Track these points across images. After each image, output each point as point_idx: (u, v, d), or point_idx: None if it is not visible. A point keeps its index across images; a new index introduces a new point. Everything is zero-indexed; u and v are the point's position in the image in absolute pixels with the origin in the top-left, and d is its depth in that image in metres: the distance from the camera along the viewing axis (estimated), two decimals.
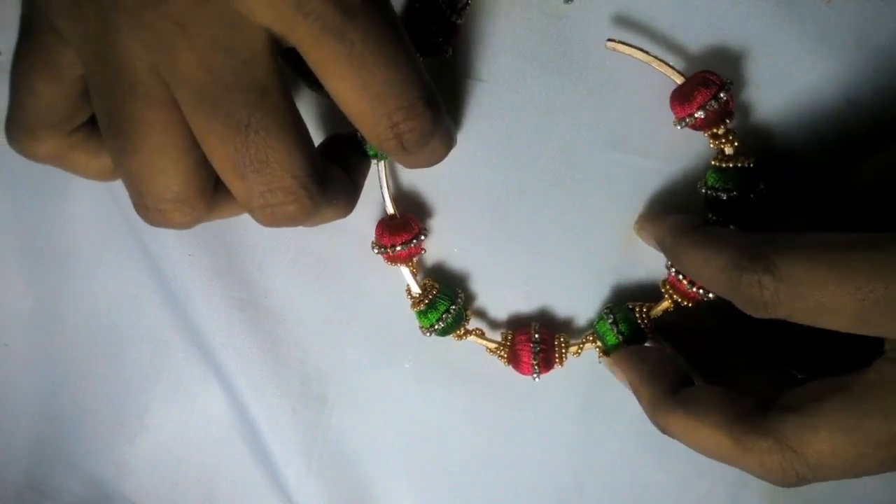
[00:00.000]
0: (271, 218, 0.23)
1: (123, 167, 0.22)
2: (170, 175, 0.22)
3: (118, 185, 0.36)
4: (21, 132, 0.25)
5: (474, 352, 0.34)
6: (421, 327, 0.33)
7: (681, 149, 0.32)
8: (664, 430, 0.27)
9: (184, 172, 0.22)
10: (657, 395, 0.27)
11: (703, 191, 0.30)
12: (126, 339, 0.38)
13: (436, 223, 0.35)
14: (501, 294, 0.35)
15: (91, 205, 0.37)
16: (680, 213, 0.30)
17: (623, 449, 0.36)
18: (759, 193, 0.30)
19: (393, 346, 0.36)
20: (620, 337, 0.32)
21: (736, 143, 0.30)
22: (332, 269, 0.36)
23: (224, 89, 0.21)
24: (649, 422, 0.28)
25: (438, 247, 0.35)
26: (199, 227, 0.35)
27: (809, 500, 0.34)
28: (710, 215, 0.30)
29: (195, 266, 0.36)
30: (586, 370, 0.35)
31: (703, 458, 0.25)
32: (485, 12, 0.32)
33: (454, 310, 0.33)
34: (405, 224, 0.33)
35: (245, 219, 0.35)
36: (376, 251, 0.33)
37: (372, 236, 0.33)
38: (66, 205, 0.37)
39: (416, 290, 0.33)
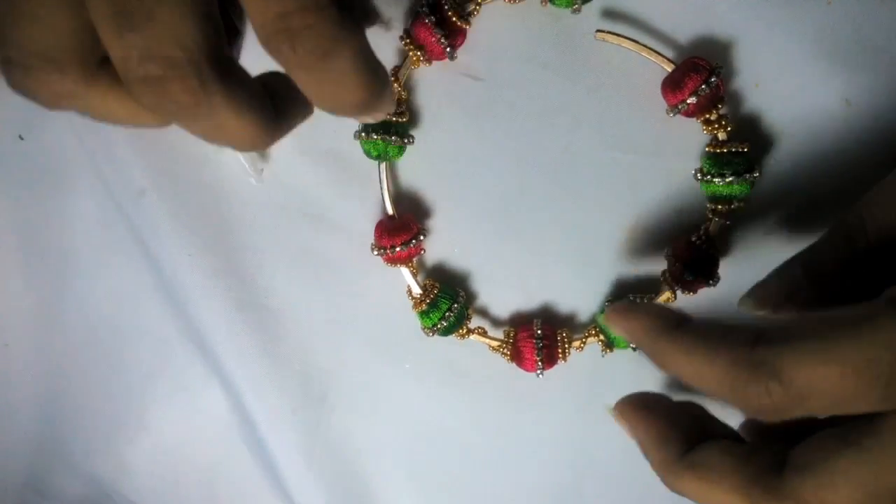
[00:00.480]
0: (151, 96, 0.19)
1: (124, 42, 0.19)
2: (44, 25, 0.19)
3: (118, 185, 0.36)
4: (38, 63, 0.20)
5: (474, 352, 0.34)
6: (423, 328, 0.33)
7: (681, 148, 0.32)
8: (676, 492, 0.25)
9: (62, 26, 0.19)
10: (667, 460, 0.25)
11: (699, 178, 0.31)
12: (126, 339, 0.38)
13: (435, 223, 0.35)
14: (502, 292, 0.35)
15: (91, 205, 0.36)
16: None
17: (623, 449, 0.36)
18: (753, 178, 0.30)
19: (393, 346, 0.36)
20: (441, 324, 0.32)
21: (729, 128, 0.30)
22: (332, 269, 0.36)
23: None
24: None
25: (438, 246, 0.35)
26: (200, 227, 0.35)
27: None
28: (709, 207, 0.30)
29: (195, 266, 0.36)
30: (586, 370, 0.35)
31: None
32: (485, 12, 0.32)
33: (456, 309, 0.33)
34: (404, 225, 0.33)
35: (245, 219, 0.36)
36: (376, 252, 0.33)
37: (371, 235, 0.33)
38: (66, 205, 0.37)
39: (416, 290, 0.33)
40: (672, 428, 0.25)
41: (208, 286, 0.36)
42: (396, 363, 0.36)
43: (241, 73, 0.21)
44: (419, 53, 0.31)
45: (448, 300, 0.33)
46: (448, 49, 0.31)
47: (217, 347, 0.37)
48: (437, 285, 0.33)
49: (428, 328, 0.33)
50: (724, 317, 0.23)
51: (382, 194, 0.33)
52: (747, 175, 0.30)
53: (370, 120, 0.29)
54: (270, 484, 0.39)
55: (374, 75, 0.22)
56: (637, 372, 0.35)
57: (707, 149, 0.30)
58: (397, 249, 0.32)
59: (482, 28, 0.32)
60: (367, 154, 0.32)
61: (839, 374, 0.20)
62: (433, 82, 0.33)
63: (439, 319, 0.32)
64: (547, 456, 0.37)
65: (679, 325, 0.23)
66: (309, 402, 0.37)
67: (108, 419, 0.39)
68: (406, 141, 0.32)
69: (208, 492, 0.40)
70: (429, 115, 0.33)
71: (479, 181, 0.34)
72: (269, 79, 0.24)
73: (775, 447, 0.23)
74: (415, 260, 0.33)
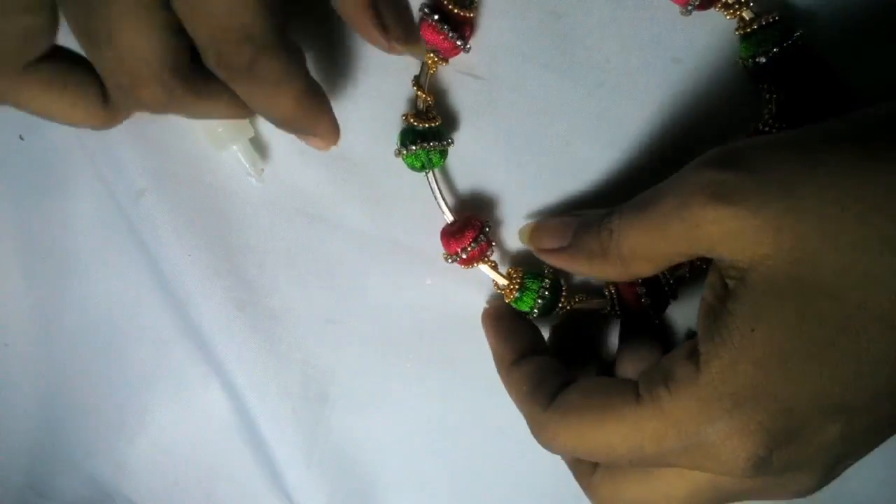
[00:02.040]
0: (126, 100, 0.23)
1: (97, 55, 0.23)
2: (140, 51, 0.22)
3: (118, 185, 0.36)
4: None
5: (475, 351, 0.34)
6: (525, 315, 0.33)
7: (683, 147, 0.32)
8: (550, 448, 0.28)
9: (153, 48, 0.22)
10: (534, 412, 0.28)
11: (743, 65, 0.30)
12: (126, 339, 0.38)
13: (435, 221, 0.35)
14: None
15: (91, 205, 0.37)
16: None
17: None
18: (799, 40, 0.29)
19: (393, 345, 0.36)
20: (538, 303, 0.32)
21: (751, 3, 0.29)
22: (332, 269, 0.36)
23: None
24: None
25: (439, 246, 0.35)
26: (200, 227, 0.35)
27: (809, 500, 0.34)
28: (762, 86, 0.29)
29: (195, 266, 0.36)
30: None
31: None
32: (485, 11, 0.32)
33: (548, 284, 0.32)
34: (466, 224, 0.32)
35: (245, 219, 0.36)
36: (450, 262, 0.32)
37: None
38: (66, 205, 0.37)
39: (501, 281, 0.33)
40: (542, 383, 0.29)
41: (208, 286, 0.36)
42: (396, 363, 0.36)
43: (208, 73, 0.24)
44: (433, 56, 0.31)
45: (536, 280, 0.32)
46: (459, 42, 0.31)
47: (217, 347, 0.37)
48: (521, 270, 0.33)
49: (529, 313, 0.33)
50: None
51: (438, 203, 0.32)
52: (791, 42, 0.29)
53: (319, 144, 0.29)
54: (270, 484, 0.39)
55: (304, 93, 0.26)
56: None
57: (737, 32, 0.30)
58: (469, 249, 0.32)
59: (482, 28, 0.32)
60: (413, 168, 0.32)
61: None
62: (433, 82, 0.33)
63: (535, 299, 0.32)
64: (547, 456, 0.36)
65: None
66: (309, 402, 0.37)
67: (108, 419, 0.39)
68: (446, 143, 0.32)
69: (208, 492, 0.40)
70: None
71: (479, 180, 0.34)
72: None
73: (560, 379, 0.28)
74: (489, 254, 0.33)
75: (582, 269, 0.29)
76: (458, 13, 0.30)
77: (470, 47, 0.31)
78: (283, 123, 0.26)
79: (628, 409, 0.24)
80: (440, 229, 0.33)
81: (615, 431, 0.24)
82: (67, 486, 0.41)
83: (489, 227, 0.33)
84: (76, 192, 0.36)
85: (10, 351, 0.39)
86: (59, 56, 0.25)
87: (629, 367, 0.31)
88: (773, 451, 0.22)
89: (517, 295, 0.32)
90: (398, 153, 0.32)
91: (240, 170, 0.34)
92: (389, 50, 0.28)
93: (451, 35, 0.30)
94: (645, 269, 0.26)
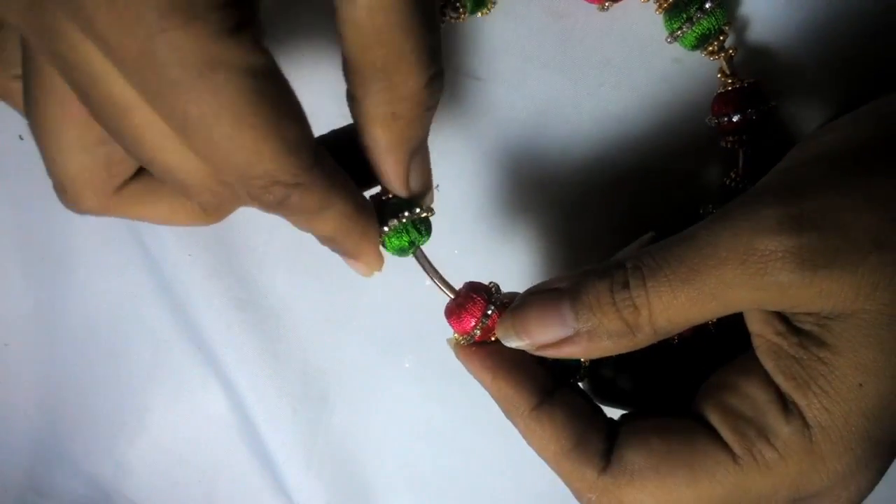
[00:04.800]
0: (277, 211, 0.22)
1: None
2: (56, 166, 0.23)
3: None
4: (60, 193, 0.24)
5: None
6: None
7: (682, 149, 0.32)
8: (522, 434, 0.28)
9: (72, 166, 0.23)
10: (585, 475, 0.26)
11: (716, 121, 0.30)
12: (126, 339, 0.38)
13: (435, 223, 0.35)
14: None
15: None
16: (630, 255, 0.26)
17: None
18: (772, 108, 0.29)
19: (393, 345, 0.36)
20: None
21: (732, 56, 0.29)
22: (332, 269, 0.36)
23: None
24: None
25: (439, 247, 0.35)
26: (200, 228, 0.35)
27: None
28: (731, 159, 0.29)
29: (195, 266, 0.36)
30: None
31: None
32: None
33: None
34: (469, 298, 0.27)
35: (245, 219, 0.36)
36: (464, 342, 0.28)
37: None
38: None
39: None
40: (525, 379, 0.26)
41: (208, 286, 0.36)
42: (396, 363, 0.36)
43: (332, 165, 0.23)
44: None
45: None
46: None
47: (217, 347, 0.37)
48: None
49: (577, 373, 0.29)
50: None
51: (435, 282, 0.28)
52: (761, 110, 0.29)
53: (361, 269, 0.27)
54: (270, 484, 0.39)
55: (347, 217, 0.24)
56: None
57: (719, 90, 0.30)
58: (478, 330, 0.27)
59: (482, 28, 0.32)
60: (400, 253, 0.27)
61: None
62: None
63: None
64: None
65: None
66: (309, 402, 0.37)
67: (108, 419, 0.39)
68: (423, 213, 0.27)
69: (208, 492, 0.40)
70: None
71: (479, 180, 0.34)
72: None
73: (607, 427, 0.26)
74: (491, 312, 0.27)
75: (602, 354, 0.25)
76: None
77: (465, 16, 0.31)
78: (325, 243, 0.25)
79: (725, 469, 0.23)
80: (444, 307, 0.28)
81: (710, 494, 0.24)
82: (67, 486, 0.41)
83: (497, 290, 0.28)
84: None
85: (10, 351, 0.39)
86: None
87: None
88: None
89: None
90: (381, 243, 0.27)
91: None
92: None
93: None
94: (680, 329, 0.24)
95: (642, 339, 0.24)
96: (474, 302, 0.27)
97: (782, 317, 0.24)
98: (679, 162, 0.32)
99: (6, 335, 0.39)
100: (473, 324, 0.27)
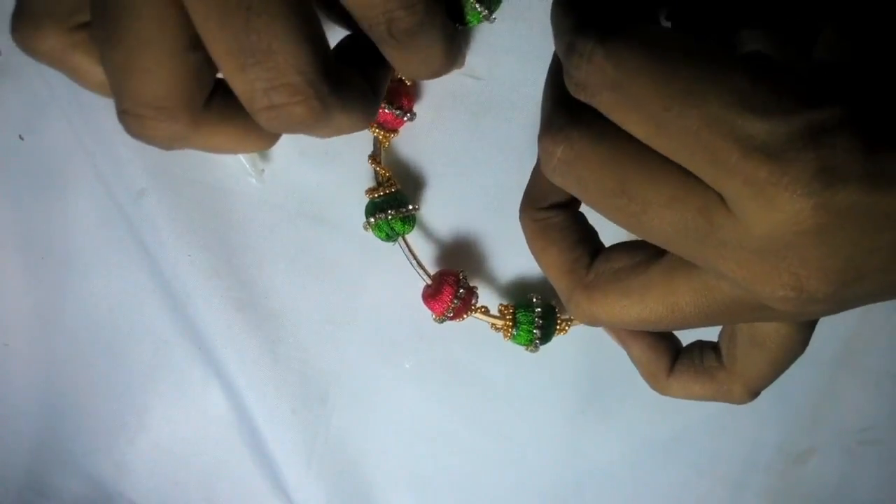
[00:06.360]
0: (277, 121, 0.21)
1: (106, 61, 0.20)
2: (153, 76, 0.20)
3: (118, 185, 0.36)
4: (25, 23, 0.22)
5: (474, 351, 0.34)
6: (525, 348, 0.33)
7: None
8: (589, 321, 0.25)
9: (170, 75, 0.20)
10: (570, 286, 0.26)
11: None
12: (126, 339, 0.38)
13: (435, 221, 0.35)
14: (502, 293, 0.35)
15: (91, 205, 0.37)
16: None
17: (623, 449, 0.36)
18: None
19: (393, 346, 0.36)
20: (536, 333, 0.32)
21: None
22: (332, 269, 0.36)
23: None
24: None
25: (439, 246, 0.35)
26: (200, 228, 0.35)
27: (809, 500, 0.34)
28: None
29: (195, 266, 0.36)
30: (586, 370, 0.35)
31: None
32: None
33: (540, 311, 0.32)
34: (441, 283, 0.32)
35: (245, 219, 0.36)
36: (442, 322, 0.33)
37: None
38: (66, 205, 0.37)
39: (498, 323, 0.33)
40: (575, 250, 0.27)
41: (208, 286, 0.36)
42: (396, 363, 0.36)
43: (346, 73, 0.23)
44: (380, 132, 0.32)
45: (527, 311, 0.32)
46: (398, 112, 0.31)
47: (217, 347, 0.37)
48: (512, 305, 0.33)
49: (528, 347, 0.33)
50: None
51: (414, 268, 0.33)
52: None
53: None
54: (270, 484, 0.39)
55: (453, 46, 0.24)
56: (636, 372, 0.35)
57: None
58: (454, 307, 0.32)
59: (482, 28, 0.32)
60: (381, 238, 0.33)
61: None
62: (433, 82, 0.33)
63: (530, 331, 0.32)
64: (547, 456, 0.37)
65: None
66: (309, 402, 0.37)
67: (108, 419, 0.39)
68: (407, 210, 0.32)
69: (208, 492, 0.40)
70: (429, 115, 0.33)
71: (479, 180, 0.34)
72: (349, 46, 0.25)
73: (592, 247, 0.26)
74: (475, 302, 0.33)
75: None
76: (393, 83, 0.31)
77: (415, 114, 0.32)
78: (431, 77, 0.25)
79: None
80: (420, 293, 0.33)
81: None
82: (67, 486, 0.41)
83: (465, 276, 0.33)
84: (76, 192, 0.36)
85: (10, 351, 0.39)
86: (223, 87, 0.23)
87: None
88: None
89: (514, 332, 0.32)
90: (366, 227, 0.33)
91: (240, 170, 0.34)
92: None
93: (387, 108, 0.31)
94: None
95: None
96: (443, 292, 0.31)
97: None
98: None
99: (6, 335, 0.39)
100: (444, 312, 0.31)
